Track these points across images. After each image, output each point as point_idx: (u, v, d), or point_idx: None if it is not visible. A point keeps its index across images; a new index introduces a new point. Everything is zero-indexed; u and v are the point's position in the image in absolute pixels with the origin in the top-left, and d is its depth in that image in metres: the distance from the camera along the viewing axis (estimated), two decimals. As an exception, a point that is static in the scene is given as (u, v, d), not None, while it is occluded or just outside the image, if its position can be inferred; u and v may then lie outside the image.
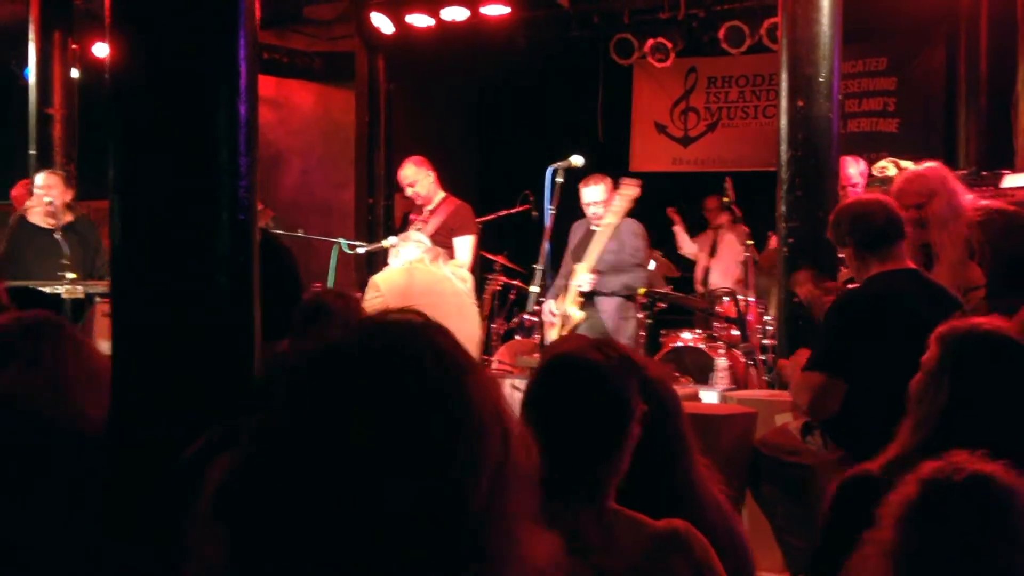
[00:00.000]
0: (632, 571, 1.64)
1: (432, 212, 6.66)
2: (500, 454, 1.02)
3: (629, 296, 5.95)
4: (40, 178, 6.46)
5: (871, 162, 6.56)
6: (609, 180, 6.04)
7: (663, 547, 1.67)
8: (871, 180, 6.23)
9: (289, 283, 2.24)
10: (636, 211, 5.94)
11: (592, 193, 5.94)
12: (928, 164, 4.32)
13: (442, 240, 6.29)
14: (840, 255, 4.82)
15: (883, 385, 3.37)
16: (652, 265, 7.17)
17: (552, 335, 5.89)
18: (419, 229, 6.20)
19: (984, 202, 4.25)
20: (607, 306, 5.94)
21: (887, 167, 6.07)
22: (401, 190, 7.08)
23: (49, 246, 6.21)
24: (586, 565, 1.59)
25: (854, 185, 5.90)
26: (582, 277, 5.78)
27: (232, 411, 1.88)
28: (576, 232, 6.21)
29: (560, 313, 5.93)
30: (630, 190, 5.84)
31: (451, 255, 6.22)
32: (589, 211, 5.99)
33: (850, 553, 1.92)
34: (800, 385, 3.54)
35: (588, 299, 5.88)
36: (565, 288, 5.97)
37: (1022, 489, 1.53)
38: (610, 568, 1.63)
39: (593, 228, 5.98)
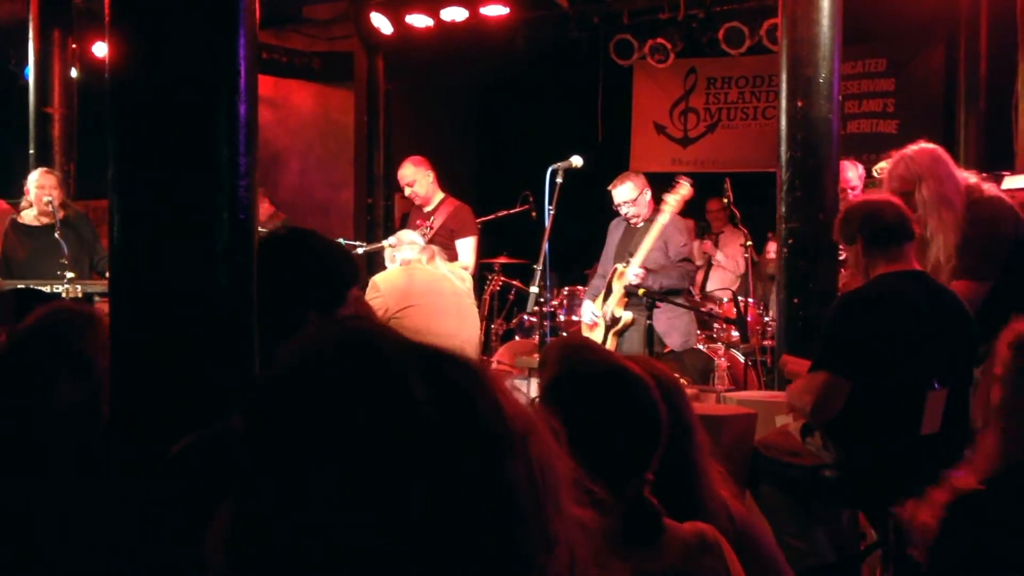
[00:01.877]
0: (673, 572, 1.66)
1: (431, 213, 6.66)
2: (534, 447, 0.94)
3: (677, 294, 5.99)
4: (37, 178, 6.43)
5: (870, 163, 6.55)
6: (636, 176, 6.12)
7: (697, 548, 1.69)
8: (870, 181, 6.23)
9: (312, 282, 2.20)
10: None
11: (621, 193, 6.03)
12: (918, 145, 4.19)
13: (443, 241, 6.30)
14: (841, 257, 4.83)
15: (886, 386, 3.38)
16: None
17: (597, 336, 5.92)
18: (424, 234, 6.20)
19: (974, 181, 4.16)
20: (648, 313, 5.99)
21: (885, 169, 6.07)
22: (401, 190, 7.08)
23: (44, 246, 6.20)
24: (629, 568, 1.60)
25: (853, 188, 5.91)
26: (631, 272, 5.84)
27: (231, 411, 1.87)
28: (614, 232, 6.28)
29: (605, 315, 5.97)
30: (683, 189, 5.96)
31: (453, 257, 6.22)
32: (622, 211, 6.08)
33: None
34: (802, 387, 3.52)
35: (634, 300, 5.92)
36: (608, 289, 6.01)
37: None
38: (651, 571, 1.64)
39: (633, 225, 6.04)
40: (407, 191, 6.76)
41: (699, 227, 9.02)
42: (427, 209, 6.70)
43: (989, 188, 4.19)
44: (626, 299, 5.93)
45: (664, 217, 5.90)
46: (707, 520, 1.89)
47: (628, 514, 1.67)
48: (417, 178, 6.65)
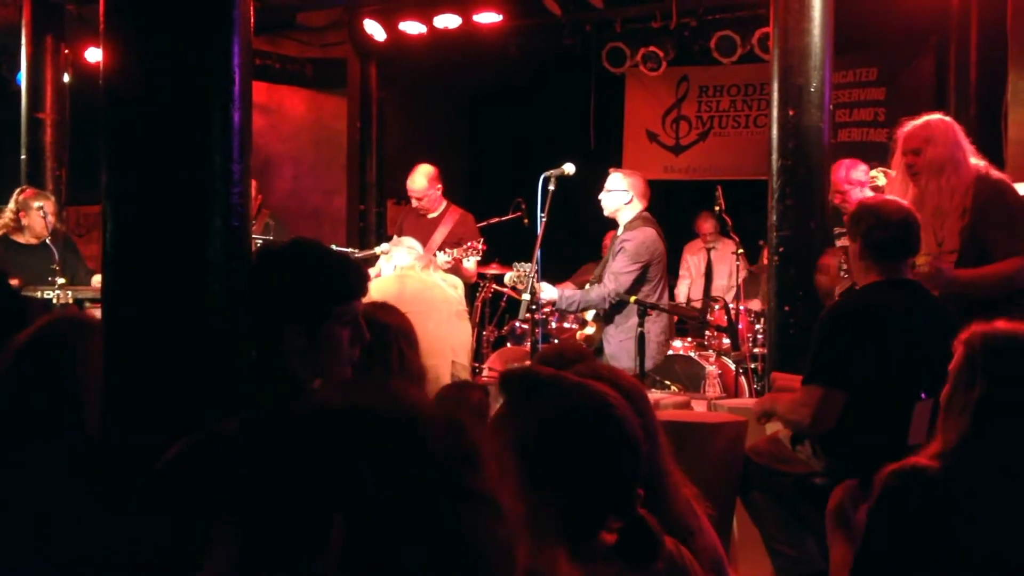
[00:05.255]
0: None
1: (436, 221, 6.67)
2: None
3: (614, 311, 5.77)
4: (34, 198, 6.40)
5: (862, 172, 6.54)
6: (635, 178, 5.91)
7: (668, 571, 1.69)
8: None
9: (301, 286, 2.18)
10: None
11: (610, 179, 5.89)
12: (937, 115, 4.28)
13: (451, 249, 6.32)
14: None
15: (875, 396, 3.39)
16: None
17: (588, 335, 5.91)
18: (449, 261, 6.16)
19: (983, 164, 4.20)
20: (602, 326, 5.90)
21: (877, 176, 6.10)
22: (393, 196, 7.08)
23: (34, 263, 6.16)
24: None
25: (861, 184, 5.91)
26: (543, 294, 5.63)
27: (223, 416, 1.88)
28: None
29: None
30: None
31: (459, 263, 6.24)
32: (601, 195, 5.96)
33: (905, 550, 1.99)
34: (798, 402, 3.51)
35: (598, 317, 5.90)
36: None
37: None
38: None
39: (617, 233, 5.96)
40: (414, 203, 6.77)
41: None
42: (431, 216, 6.72)
43: (996, 172, 4.25)
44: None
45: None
46: (675, 518, 1.90)
47: (627, 533, 1.66)
48: (428, 193, 6.68)
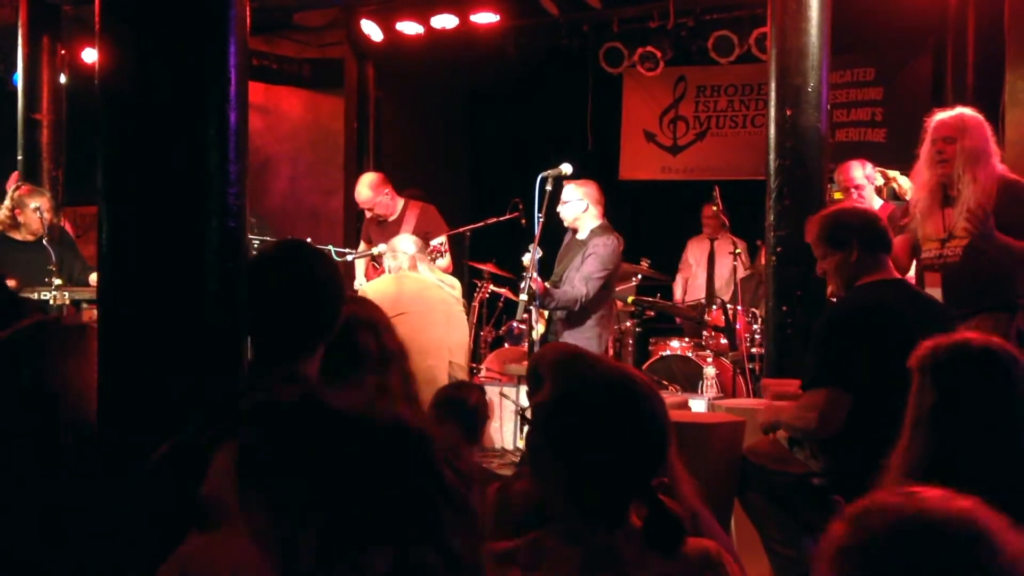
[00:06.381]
0: None
1: (398, 221, 6.65)
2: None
3: (580, 315, 5.75)
4: (29, 195, 6.39)
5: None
6: (589, 187, 5.90)
7: (698, 565, 1.69)
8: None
9: (317, 294, 2.22)
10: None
11: (566, 190, 5.87)
12: (969, 109, 4.40)
13: None
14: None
15: (873, 397, 3.38)
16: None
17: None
18: (434, 258, 6.13)
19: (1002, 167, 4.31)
20: (560, 328, 5.88)
21: (875, 177, 6.12)
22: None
23: (31, 260, 6.14)
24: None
25: (858, 187, 5.93)
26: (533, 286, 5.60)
27: (219, 417, 1.87)
28: (566, 240, 6.18)
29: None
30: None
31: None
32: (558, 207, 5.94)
33: None
34: (804, 405, 3.50)
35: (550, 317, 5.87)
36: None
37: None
38: None
39: (573, 233, 5.95)
40: (368, 214, 6.77)
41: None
42: (392, 219, 6.70)
43: (1012, 174, 4.35)
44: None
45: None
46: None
47: (649, 520, 1.68)
48: (377, 200, 6.66)
